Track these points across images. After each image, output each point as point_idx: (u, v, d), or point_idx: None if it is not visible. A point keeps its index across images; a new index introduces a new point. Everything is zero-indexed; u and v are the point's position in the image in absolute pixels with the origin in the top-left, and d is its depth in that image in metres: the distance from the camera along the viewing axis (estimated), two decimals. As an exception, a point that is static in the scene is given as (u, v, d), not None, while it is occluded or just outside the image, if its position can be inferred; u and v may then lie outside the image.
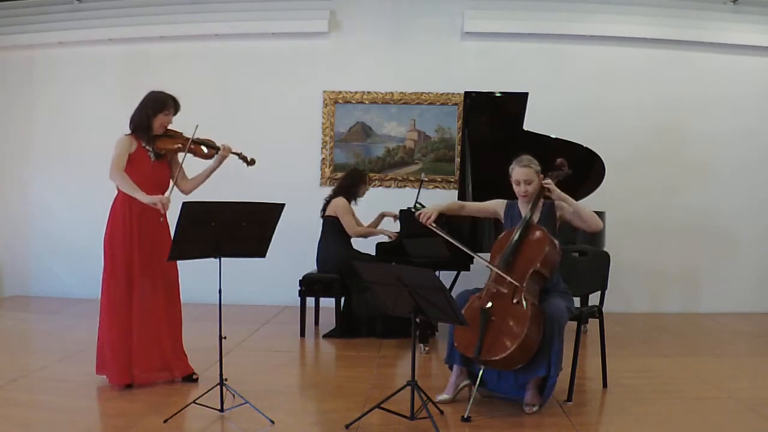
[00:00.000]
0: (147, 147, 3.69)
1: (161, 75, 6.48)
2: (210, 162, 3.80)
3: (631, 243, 6.29)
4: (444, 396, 3.45)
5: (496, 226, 4.26)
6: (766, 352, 4.91)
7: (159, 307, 3.67)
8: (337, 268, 5.09)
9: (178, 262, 3.64)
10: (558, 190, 3.44)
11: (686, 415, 3.33)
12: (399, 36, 6.55)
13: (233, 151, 3.79)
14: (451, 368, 3.54)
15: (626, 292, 6.34)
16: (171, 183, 3.73)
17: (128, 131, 3.70)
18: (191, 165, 3.83)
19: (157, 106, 3.67)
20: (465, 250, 3.51)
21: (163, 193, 3.67)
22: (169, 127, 3.77)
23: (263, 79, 6.57)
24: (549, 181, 3.46)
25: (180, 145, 3.73)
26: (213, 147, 3.78)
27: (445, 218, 3.83)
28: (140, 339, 3.61)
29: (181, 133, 3.77)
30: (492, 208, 3.71)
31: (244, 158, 3.86)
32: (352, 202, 5.32)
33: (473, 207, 3.80)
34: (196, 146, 3.73)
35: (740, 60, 6.46)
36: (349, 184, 5.32)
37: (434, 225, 3.47)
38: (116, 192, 3.66)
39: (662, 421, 3.24)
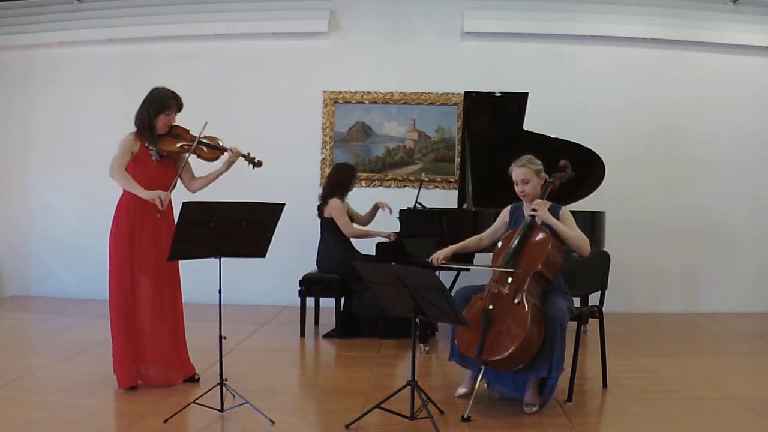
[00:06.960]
0: (150, 147, 3.61)
1: (161, 75, 6.40)
2: (216, 164, 3.72)
3: (631, 243, 6.29)
4: (462, 390, 3.52)
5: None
6: (766, 352, 4.90)
7: (165, 308, 3.64)
8: (337, 269, 5.08)
9: (180, 262, 3.61)
10: (546, 214, 3.37)
11: (686, 415, 3.33)
12: (399, 36, 6.55)
13: (242, 153, 3.71)
14: (463, 365, 3.55)
15: (626, 292, 6.33)
16: (174, 180, 3.60)
17: (133, 129, 3.62)
18: (198, 163, 3.78)
19: (158, 107, 3.58)
20: (471, 268, 3.64)
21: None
22: (177, 124, 3.67)
23: (263, 79, 6.57)
24: (536, 205, 3.38)
25: (184, 146, 3.62)
26: (218, 149, 3.68)
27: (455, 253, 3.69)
28: (146, 341, 3.59)
29: (188, 132, 3.67)
30: (502, 222, 3.68)
31: (251, 160, 3.76)
32: (345, 199, 5.26)
33: (489, 234, 3.72)
34: (200, 148, 3.63)
35: (740, 60, 6.46)
36: (341, 181, 5.24)
37: (444, 263, 3.57)
38: (121, 192, 3.60)
39: (662, 421, 3.24)
